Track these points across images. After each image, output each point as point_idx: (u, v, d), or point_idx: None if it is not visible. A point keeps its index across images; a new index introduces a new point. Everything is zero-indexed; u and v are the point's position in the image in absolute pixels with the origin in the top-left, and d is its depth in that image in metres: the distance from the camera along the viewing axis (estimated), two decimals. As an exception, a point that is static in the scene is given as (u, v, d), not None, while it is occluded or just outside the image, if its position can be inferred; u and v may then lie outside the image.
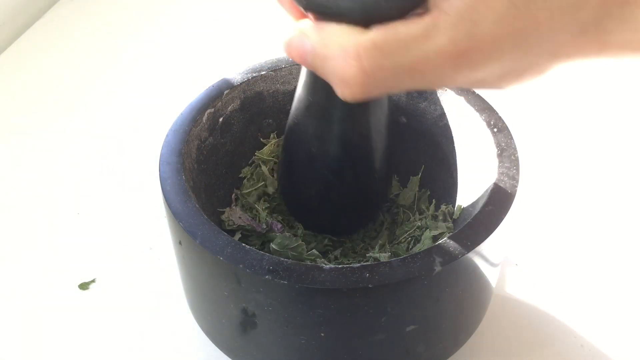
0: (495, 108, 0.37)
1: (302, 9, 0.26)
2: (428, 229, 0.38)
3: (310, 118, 0.34)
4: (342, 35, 0.24)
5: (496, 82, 0.24)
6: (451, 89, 0.38)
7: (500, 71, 0.24)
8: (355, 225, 0.40)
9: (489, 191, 0.32)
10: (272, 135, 0.42)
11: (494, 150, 0.34)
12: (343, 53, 0.24)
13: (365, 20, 0.24)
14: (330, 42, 0.24)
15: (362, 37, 0.23)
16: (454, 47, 0.22)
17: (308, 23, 0.26)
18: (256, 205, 0.40)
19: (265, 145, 0.42)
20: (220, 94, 0.38)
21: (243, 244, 0.29)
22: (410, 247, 0.38)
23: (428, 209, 0.40)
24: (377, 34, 0.23)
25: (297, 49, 0.26)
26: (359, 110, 0.33)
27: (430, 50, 0.23)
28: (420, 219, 0.39)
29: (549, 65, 0.24)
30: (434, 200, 0.40)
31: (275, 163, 0.42)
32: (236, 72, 0.39)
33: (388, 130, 0.35)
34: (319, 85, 0.31)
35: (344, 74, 0.24)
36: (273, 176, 0.42)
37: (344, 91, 0.25)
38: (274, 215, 0.40)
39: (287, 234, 0.38)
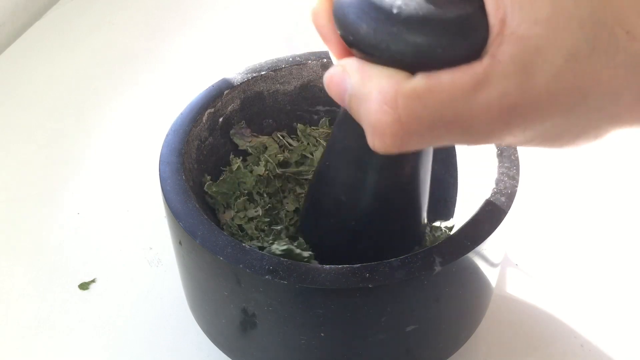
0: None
1: (348, 47, 0.24)
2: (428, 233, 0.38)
3: (344, 163, 0.31)
4: (383, 78, 0.21)
5: (549, 143, 0.22)
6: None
7: (555, 131, 0.21)
8: None
9: (489, 191, 0.32)
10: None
11: (494, 150, 0.34)
12: (380, 97, 0.21)
13: (414, 66, 0.21)
14: (370, 83, 0.22)
15: (403, 83, 0.21)
16: (504, 101, 0.20)
17: (353, 61, 0.23)
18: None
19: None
20: (220, 94, 0.38)
21: (243, 244, 0.29)
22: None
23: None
24: (420, 81, 0.21)
25: (337, 85, 0.23)
26: (401, 159, 0.30)
27: (477, 104, 0.20)
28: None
29: (609, 130, 0.22)
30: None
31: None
32: (236, 72, 0.39)
33: (430, 176, 0.32)
34: (356, 128, 0.28)
35: (376, 120, 0.21)
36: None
37: (374, 140, 0.22)
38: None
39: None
